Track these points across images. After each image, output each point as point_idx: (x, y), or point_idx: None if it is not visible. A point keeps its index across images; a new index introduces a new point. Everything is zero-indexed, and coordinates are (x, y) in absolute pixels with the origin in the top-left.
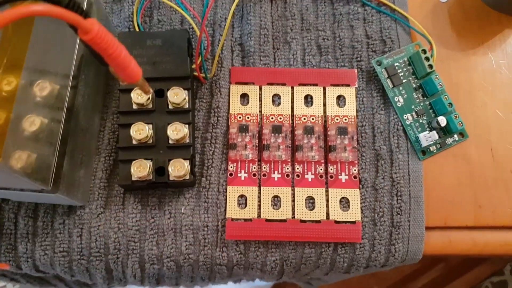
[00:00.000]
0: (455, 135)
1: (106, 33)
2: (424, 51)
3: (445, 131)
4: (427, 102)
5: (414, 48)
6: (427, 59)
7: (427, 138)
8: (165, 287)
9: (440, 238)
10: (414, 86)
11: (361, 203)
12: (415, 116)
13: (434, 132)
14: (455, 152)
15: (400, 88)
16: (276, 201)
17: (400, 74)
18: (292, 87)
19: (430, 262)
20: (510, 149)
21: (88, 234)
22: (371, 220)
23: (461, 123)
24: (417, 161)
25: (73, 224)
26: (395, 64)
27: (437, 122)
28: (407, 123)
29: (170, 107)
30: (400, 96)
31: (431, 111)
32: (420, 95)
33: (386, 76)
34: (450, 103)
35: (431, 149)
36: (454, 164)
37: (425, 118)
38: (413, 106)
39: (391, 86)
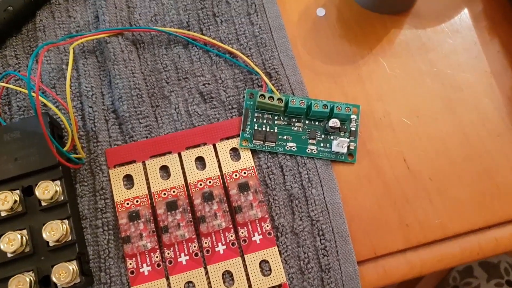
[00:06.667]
0: (353, 117)
1: None
2: (263, 96)
3: (344, 129)
4: (308, 122)
5: (250, 97)
6: (271, 98)
7: (341, 145)
8: None
9: (374, 269)
10: (286, 123)
11: (283, 254)
12: (314, 141)
13: (341, 134)
14: (368, 174)
15: (281, 137)
16: None
17: (270, 130)
18: (179, 153)
19: None
20: (423, 156)
21: None
22: (298, 269)
23: (349, 107)
24: (333, 192)
25: None
26: (257, 128)
27: (330, 127)
28: (314, 153)
29: (43, 203)
30: (287, 143)
31: (317, 123)
32: (298, 123)
33: (262, 143)
34: (325, 105)
35: (351, 147)
36: (370, 187)
37: (322, 135)
38: (304, 137)
39: (273, 145)
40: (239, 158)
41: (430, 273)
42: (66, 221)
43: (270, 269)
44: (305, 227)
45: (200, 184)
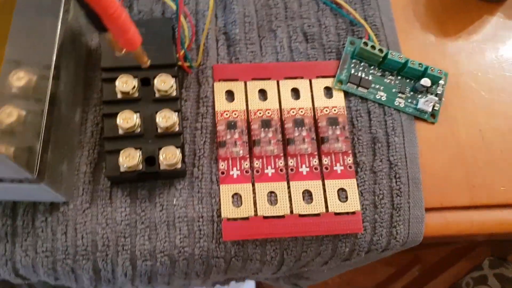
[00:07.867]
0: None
1: None
2: (366, 43)
3: (431, 91)
4: (400, 77)
5: (350, 44)
6: (373, 47)
7: (427, 103)
8: None
9: (438, 219)
10: (380, 74)
11: (360, 187)
12: (403, 96)
13: (428, 95)
14: (445, 135)
15: (373, 85)
16: (272, 197)
17: (365, 77)
18: (278, 81)
19: (404, 265)
20: (498, 130)
21: (74, 232)
22: (371, 203)
23: (441, 71)
24: (413, 144)
25: (57, 222)
26: (353, 73)
27: (421, 85)
28: (401, 106)
29: (157, 95)
30: (378, 92)
31: (408, 80)
32: (391, 77)
33: (356, 87)
34: (420, 64)
35: (436, 108)
36: (445, 147)
37: (411, 92)
38: (394, 90)
39: (365, 91)
40: (331, 97)
41: (485, 234)
42: (176, 113)
43: (346, 197)
44: (383, 168)
45: (293, 112)
